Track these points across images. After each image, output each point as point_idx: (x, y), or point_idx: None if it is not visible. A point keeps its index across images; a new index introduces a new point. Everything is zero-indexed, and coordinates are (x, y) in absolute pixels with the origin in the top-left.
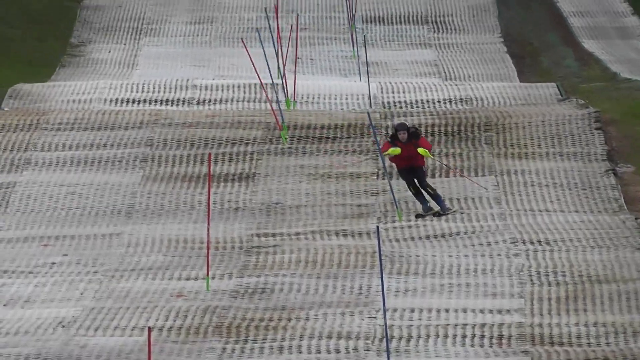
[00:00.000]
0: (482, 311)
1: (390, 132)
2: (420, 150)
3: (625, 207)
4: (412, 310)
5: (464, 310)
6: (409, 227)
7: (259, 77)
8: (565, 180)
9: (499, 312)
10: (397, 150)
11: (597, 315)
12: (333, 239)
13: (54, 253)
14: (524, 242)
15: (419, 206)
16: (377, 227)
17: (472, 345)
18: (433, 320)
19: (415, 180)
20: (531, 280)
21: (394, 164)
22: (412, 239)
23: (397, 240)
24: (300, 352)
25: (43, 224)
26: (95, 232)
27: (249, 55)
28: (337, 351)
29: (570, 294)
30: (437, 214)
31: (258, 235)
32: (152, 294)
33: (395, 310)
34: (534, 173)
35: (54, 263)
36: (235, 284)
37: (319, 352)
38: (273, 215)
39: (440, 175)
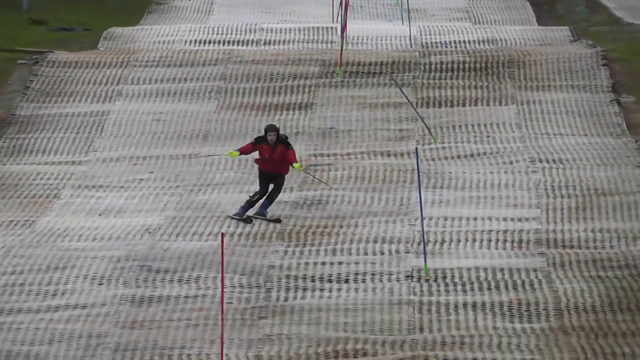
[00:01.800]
0: (504, 219)
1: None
2: (295, 165)
3: (627, 132)
4: (445, 219)
5: (489, 219)
6: (443, 148)
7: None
8: (576, 109)
9: (519, 220)
10: (235, 153)
11: (602, 222)
12: (378, 159)
13: (141, 171)
14: (540, 161)
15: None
16: (416, 148)
17: (497, 248)
18: (463, 227)
19: (270, 186)
20: (546, 193)
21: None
22: (446, 158)
23: (433, 160)
24: (350, 254)
25: (132, 146)
26: (177, 152)
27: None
28: (382, 253)
29: (580, 204)
30: (249, 220)
31: (315, 155)
32: (224, 205)
33: (431, 218)
34: (549, 102)
35: (141, 179)
36: (295, 197)
37: (366, 254)
38: (327, 138)
39: (464, 105)
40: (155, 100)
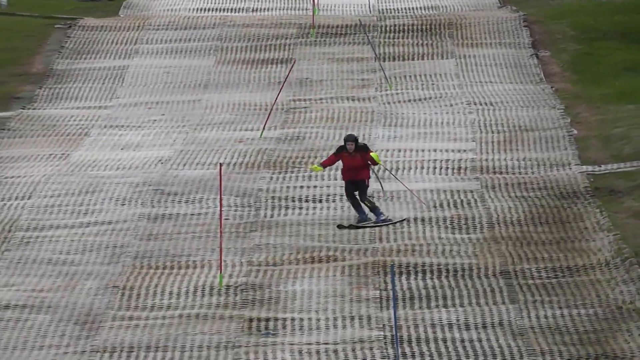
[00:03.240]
0: (446, 151)
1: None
2: (372, 154)
3: (544, 79)
4: (399, 151)
5: (434, 150)
6: (397, 93)
7: None
8: (503, 62)
9: (458, 151)
10: (319, 168)
11: (525, 153)
12: (345, 102)
13: (155, 113)
14: (475, 104)
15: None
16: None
17: (440, 174)
18: (413, 157)
19: (357, 193)
20: (480, 129)
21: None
22: (399, 102)
23: (388, 103)
24: (323, 179)
25: (147, 93)
26: (183, 99)
27: None
28: None
29: (507, 138)
30: (374, 224)
31: (294, 100)
32: (222, 140)
33: (387, 150)
34: (481, 57)
35: (155, 120)
36: (279, 134)
37: (336, 179)
38: (304, 86)
39: (413, 59)
40: (165, 56)
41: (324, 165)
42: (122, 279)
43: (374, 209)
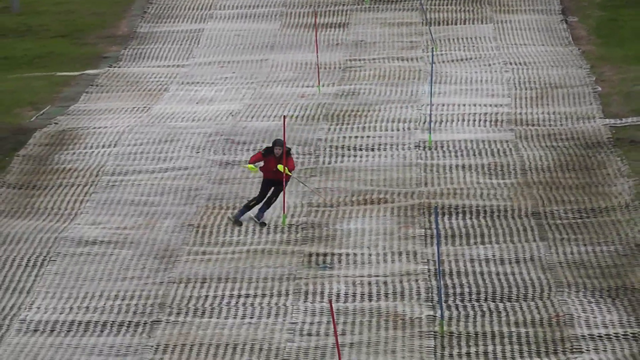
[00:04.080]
0: (485, 105)
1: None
2: (279, 166)
3: (572, 42)
4: (443, 105)
5: (474, 105)
6: (441, 54)
7: None
8: (536, 26)
9: (495, 106)
10: (255, 168)
11: (554, 107)
12: (395, 62)
13: (227, 71)
14: (510, 64)
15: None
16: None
17: (479, 126)
18: (455, 111)
19: (270, 192)
20: (515, 86)
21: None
22: (443, 62)
23: (434, 63)
24: (375, 130)
25: (220, 53)
26: (251, 58)
27: None
28: (398, 130)
29: (539, 94)
30: (255, 219)
31: (350, 60)
32: (285, 95)
33: (433, 104)
34: (516, 22)
35: (226, 77)
36: (336, 89)
37: (387, 130)
38: (359, 48)
39: (456, 24)
40: (236, 21)
41: (251, 161)
42: (196, 218)
43: (267, 206)
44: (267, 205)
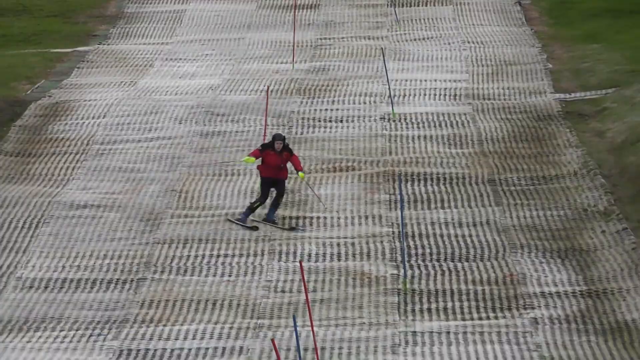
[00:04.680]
0: (444, 80)
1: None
2: (300, 174)
3: (525, 23)
4: (405, 80)
5: (435, 80)
6: (405, 34)
7: None
8: (492, 8)
9: (454, 81)
10: (251, 159)
11: (509, 83)
12: (362, 40)
13: (207, 48)
14: (468, 42)
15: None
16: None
17: (439, 100)
18: (417, 86)
19: (275, 193)
20: (472, 63)
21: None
22: (406, 40)
23: (398, 41)
24: (343, 103)
25: (201, 31)
26: (230, 37)
27: None
28: (364, 103)
29: (494, 71)
30: (256, 228)
31: (321, 39)
32: (261, 71)
33: (396, 80)
34: (474, 3)
35: (207, 54)
36: (308, 66)
37: (354, 103)
38: (329, 27)
39: (418, 5)
40: (215, 2)
41: (251, 155)
42: (179, 184)
43: (275, 208)
44: (275, 206)
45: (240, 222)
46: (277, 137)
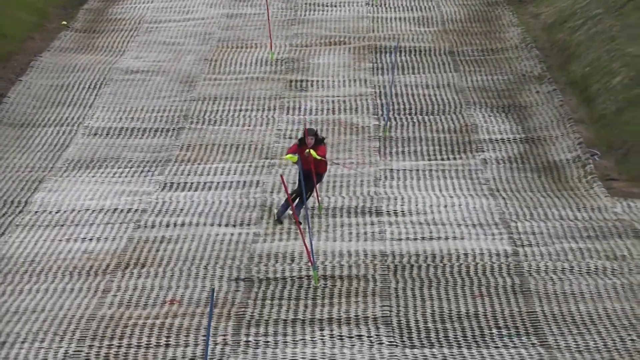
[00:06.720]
0: None
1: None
2: (309, 150)
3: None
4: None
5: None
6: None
7: None
8: None
9: None
10: (294, 157)
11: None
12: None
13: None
14: None
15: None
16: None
17: None
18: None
19: (303, 187)
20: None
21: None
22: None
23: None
24: None
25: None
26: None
27: None
28: None
29: None
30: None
31: None
32: None
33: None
34: None
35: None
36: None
37: None
38: None
39: None
40: None
41: (290, 151)
42: (210, 54)
43: (302, 203)
44: (302, 202)
45: (278, 219)
46: (308, 132)
